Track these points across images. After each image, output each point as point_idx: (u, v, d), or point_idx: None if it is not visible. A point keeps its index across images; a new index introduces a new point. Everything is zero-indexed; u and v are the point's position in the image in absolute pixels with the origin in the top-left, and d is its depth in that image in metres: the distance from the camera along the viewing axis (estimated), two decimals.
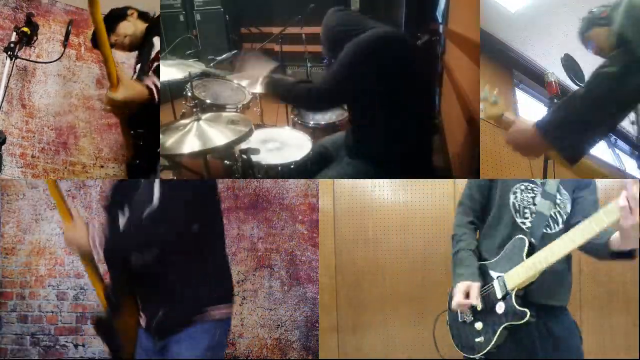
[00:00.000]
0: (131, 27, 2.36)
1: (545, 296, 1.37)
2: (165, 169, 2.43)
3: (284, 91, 2.18)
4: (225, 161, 2.40)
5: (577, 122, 1.33)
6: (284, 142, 2.52)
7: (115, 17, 2.35)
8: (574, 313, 2.61)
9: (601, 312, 2.57)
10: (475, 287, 1.38)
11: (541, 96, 3.35)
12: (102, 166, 3.01)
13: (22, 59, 2.45)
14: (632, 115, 3.63)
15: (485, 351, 1.34)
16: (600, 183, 2.66)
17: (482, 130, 2.51)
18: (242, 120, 2.22)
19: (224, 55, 3.19)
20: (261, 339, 2.69)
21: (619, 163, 4.00)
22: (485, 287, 1.39)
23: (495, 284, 1.36)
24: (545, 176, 2.49)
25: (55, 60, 2.63)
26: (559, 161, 1.55)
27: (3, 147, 2.13)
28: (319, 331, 2.64)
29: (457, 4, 2.97)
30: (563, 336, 1.40)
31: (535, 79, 3.39)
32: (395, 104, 1.94)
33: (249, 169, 2.26)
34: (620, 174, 2.26)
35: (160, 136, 2.06)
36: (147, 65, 2.17)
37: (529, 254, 1.31)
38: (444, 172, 2.90)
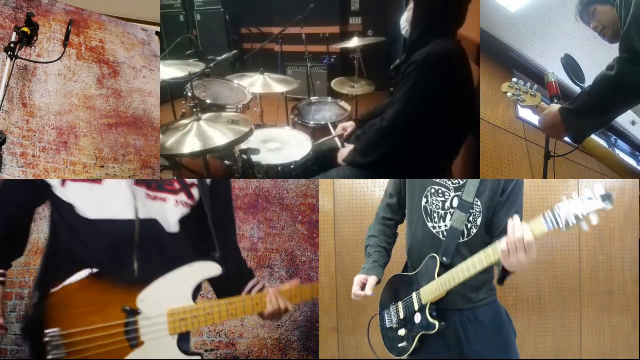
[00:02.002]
0: None
1: (462, 302, 1.47)
2: (165, 169, 2.43)
3: (367, 141, 2.04)
4: (225, 161, 2.40)
5: (584, 113, 1.69)
6: (284, 142, 2.52)
7: None
8: (574, 313, 2.62)
9: (601, 312, 2.57)
10: (371, 279, 1.56)
11: (541, 96, 3.35)
12: (102, 166, 3.01)
13: (22, 59, 2.45)
14: (632, 116, 3.63)
15: (407, 354, 1.48)
16: (600, 183, 2.67)
17: (482, 131, 2.51)
18: (242, 120, 2.22)
19: (224, 55, 3.19)
20: (261, 339, 2.69)
21: None
22: (407, 297, 1.52)
23: (414, 297, 1.49)
24: (545, 176, 2.49)
25: (56, 60, 2.63)
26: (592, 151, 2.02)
27: (3, 147, 2.13)
28: (319, 331, 2.64)
29: None
30: (488, 320, 1.48)
31: (535, 79, 3.39)
32: (441, 115, 1.90)
33: (249, 169, 2.26)
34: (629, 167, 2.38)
35: (160, 136, 2.07)
36: None
37: (440, 273, 1.43)
38: (444, 172, 2.90)
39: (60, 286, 1.27)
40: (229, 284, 1.49)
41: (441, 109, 1.87)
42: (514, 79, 1.97)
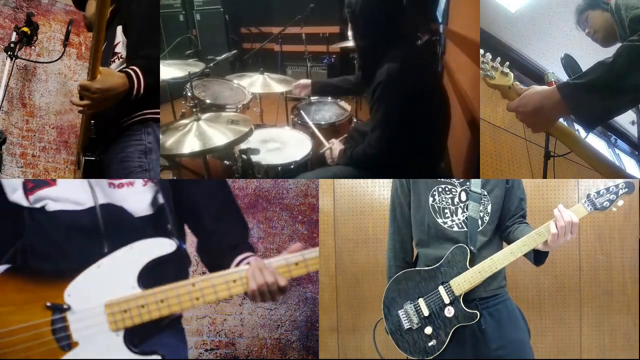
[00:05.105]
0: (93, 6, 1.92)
1: (480, 291, 1.47)
2: (165, 169, 2.43)
3: (358, 161, 2.07)
4: (225, 161, 2.40)
5: (600, 89, 1.34)
6: (284, 142, 2.52)
7: None
8: (574, 313, 2.62)
9: (601, 312, 2.57)
10: None
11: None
12: None
13: (22, 59, 2.46)
14: (632, 115, 3.64)
15: (438, 352, 1.45)
16: (601, 183, 2.67)
17: (482, 131, 2.52)
18: (242, 120, 2.22)
19: (223, 55, 3.19)
20: (261, 339, 2.69)
21: (619, 163, 4.01)
22: (431, 293, 1.48)
23: (441, 290, 1.46)
24: (545, 176, 2.49)
25: (56, 60, 2.64)
26: (564, 137, 1.60)
27: (3, 147, 2.13)
28: (319, 331, 2.64)
29: (457, 3, 2.96)
30: (504, 317, 1.49)
31: (535, 79, 3.40)
32: (419, 119, 1.91)
33: (249, 169, 2.26)
34: (621, 172, 2.30)
35: (160, 136, 2.06)
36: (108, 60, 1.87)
37: (471, 262, 1.44)
38: (444, 172, 2.90)
39: None
40: (215, 259, 1.31)
41: (419, 114, 1.87)
42: (481, 51, 1.62)
